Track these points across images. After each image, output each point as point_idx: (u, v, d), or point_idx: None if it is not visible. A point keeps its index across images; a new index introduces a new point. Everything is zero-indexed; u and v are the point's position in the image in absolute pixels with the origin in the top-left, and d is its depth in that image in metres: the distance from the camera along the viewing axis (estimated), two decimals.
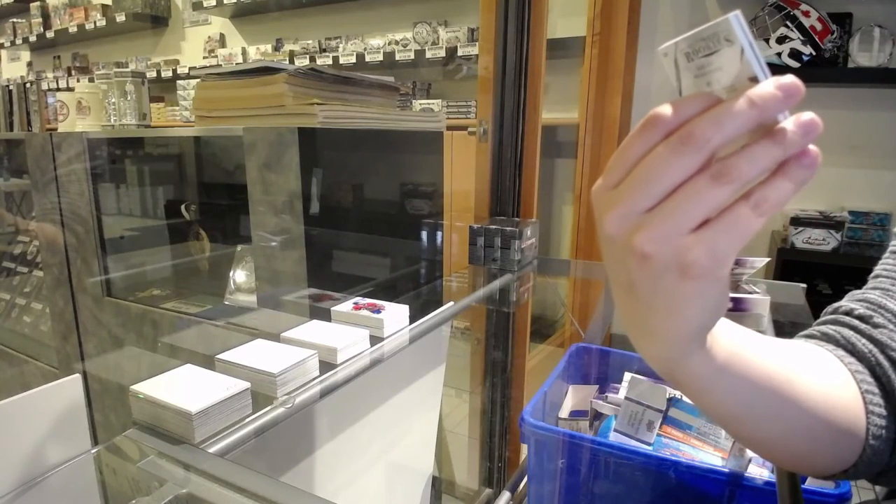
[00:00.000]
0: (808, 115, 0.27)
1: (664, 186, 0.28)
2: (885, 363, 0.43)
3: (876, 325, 0.45)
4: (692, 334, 0.33)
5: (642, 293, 0.32)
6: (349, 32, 3.35)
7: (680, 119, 0.28)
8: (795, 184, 0.28)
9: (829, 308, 0.51)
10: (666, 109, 0.29)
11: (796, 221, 2.05)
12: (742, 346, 0.37)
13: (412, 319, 0.83)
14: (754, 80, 0.27)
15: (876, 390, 0.42)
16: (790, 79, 0.27)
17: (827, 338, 0.47)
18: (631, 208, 0.29)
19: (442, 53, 2.87)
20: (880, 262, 0.52)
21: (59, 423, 0.50)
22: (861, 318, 0.46)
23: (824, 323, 0.50)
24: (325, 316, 0.80)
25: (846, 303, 0.49)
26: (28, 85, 1.99)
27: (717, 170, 0.27)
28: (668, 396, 0.86)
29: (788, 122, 0.27)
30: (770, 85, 0.27)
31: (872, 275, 0.52)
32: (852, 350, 0.45)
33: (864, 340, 0.45)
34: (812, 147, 0.27)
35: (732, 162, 0.27)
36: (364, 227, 1.16)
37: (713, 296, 0.31)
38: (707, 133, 0.27)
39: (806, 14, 1.99)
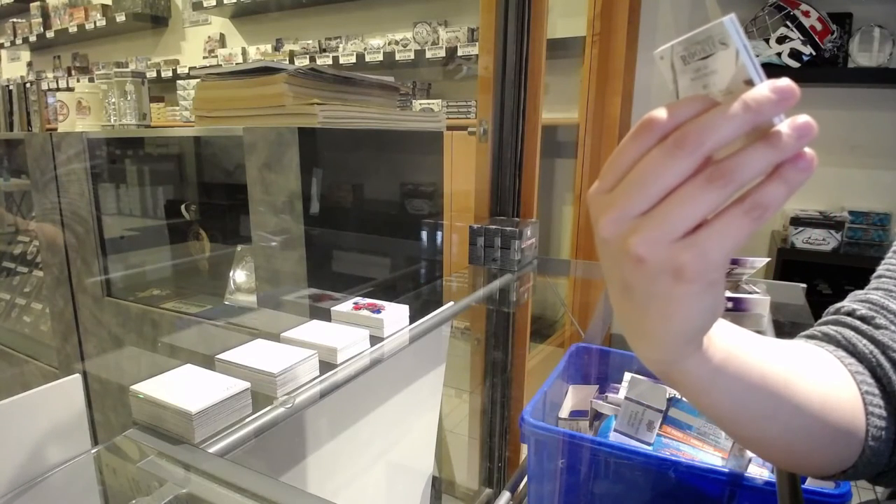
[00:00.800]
0: (803, 118, 0.27)
1: (658, 190, 0.28)
2: (886, 364, 0.43)
3: (878, 327, 0.45)
4: (688, 337, 0.33)
5: (637, 296, 0.32)
6: (349, 32, 3.35)
7: (675, 122, 0.28)
8: (790, 187, 0.27)
9: (831, 308, 0.51)
10: (661, 113, 0.29)
11: (796, 221, 2.05)
12: (739, 347, 0.37)
13: (412, 319, 0.83)
14: (749, 83, 0.27)
15: (876, 391, 0.42)
16: (785, 82, 0.26)
17: (828, 338, 0.47)
18: (625, 212, 0.29)
19: (442, 53, 2.87)
20: (883, 261, 0.52)
21: (59, 423, 0.50)
22: (862, 318, 0.46)
23: (826, 323, 0.50)
24: (325, 316, 0.80)
25: (848, 303, 0.49)
26: (28, 85, 1.99)
27: (711, 173, 0.27)
28: (668, 396, 0.86)
29: (784, 125, 0.27)
30: (765, 88, 0.26)
31: (875, 275, 0.52)
32: (853, 351, 0.45)
33: (864, 341, 0.45)
34: (808, 150, 0.27)
35: (727, 165, 0.27)
36: (364, 227, 1.16)
37: (708, 299, 0.31)
38: (701, 137, 0.27)
39: (806, 14, 1.98)
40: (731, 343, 0.37)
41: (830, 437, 0.40)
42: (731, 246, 0.28)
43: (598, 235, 0.31)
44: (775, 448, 0.41)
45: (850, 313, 0.48)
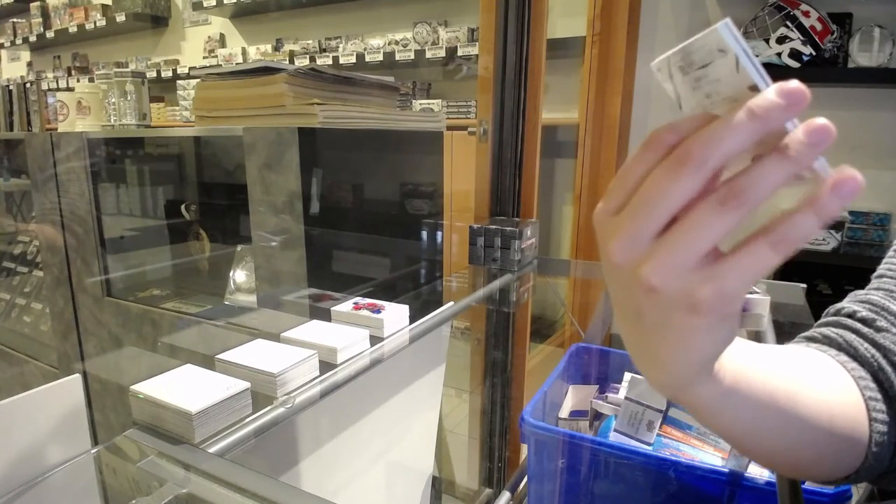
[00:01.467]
0: (818, 122, 0.25)
1: (666, 211, 0.27)
2: (888, 368, 0.43)
3: (879, 329, 0.45)
4: (700, 365, 0.32)
5: (649, 323, 0.31)
6: (349, 32, 3.35)
7: (681, 138, 0.27)
8: (823, 218, 0.25)
9: (832, 309, 0.50)
10: (666, 129, 0.28)
11: None
12: (747, 365, 0.37)
13: (412, 319, 0.83)
14: (754, 88, 0.25)
15: (878, 396, 0.42)
16: (794, 84, 0.25)
17: (829, 341, 0.47)
18: (635, 235, 0.28)
19: (442, 53, 2.87)
20: (884, 261, 0.51)
21: (59, 423, 0.50)
22: (863, 321, 0.46)
23: (826, 325, 0.49)
24: (325, 316, 0.80)
25: (848, 304, 0.49)
26: (28, 85, 1.99)
27: (723, 195, 0.26)
28: None
29: (798, 132, 0.25)
30: (771, 93, 0.25)
31: (876, 274, 0.51)
32: (854, 354, 0.44)
33: (866, 345, 0.44)
34: (851, 172, 0.25)
35: (739, 184, 0.26)
36: (364, 227, 1.16)
37: (724, 330, 0.30)
38: (706, 152, 0.26)
39: (806, 14, 1.98)
40: (739, 362, 0.36)
41: (836, 446, 0.40)
42: (753, 279, 0.27)
43: (607, 260, 0.30)
44: (783, 460, 0.41)
45: (851, 315, 0.47)
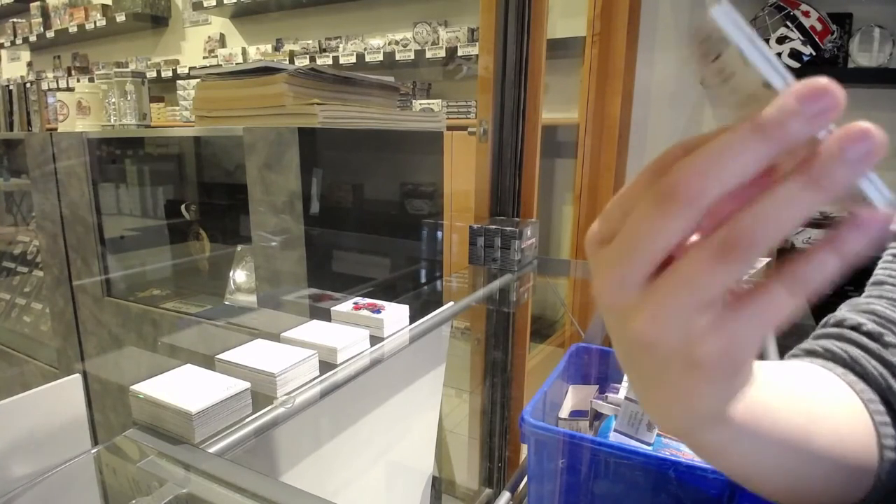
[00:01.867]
0: (858, 127, 0.19)
1: (652, 255, 0.22)
2: None
3: (886, 345, 0.42)
4: (703, 419, 0.29)
5: (646, 374, 0.27)
6: (349, 32, 3.35)
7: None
8: (848, 258, 0.21)
9: (830, 319, 0.47)
10: (679, 147, 0.23)
11: None
12: (755, 400, 0.33)
13: (412, 319, 0.83)
14: (769, 86, 0.20)
15: (888, 420, 0.39)
16: (821, 83, 0.19)
17: (833, 356, 0.43)
18: (624, 277, 0.23)
19: (442, 53, 2.87)
20: (880, 265, 0.48)
21: (59, 423, 0.50)
22: (870, 335, 0.43)
23: (828, 337, 0.46)
24: (325, 316, 0.80)
25: (850, 315, 0.45)
26: (28, 85, 1.99)
27: (721, 242, 0.20)
28: None
29: (832, 143, 0.19)
30: (790, 97, 0.19)
31: (873, 281, 0.48)
32: (863, 373, 0.41)
33: (874, 362, 0.41)
34: (883, 208, 0.20)
35: (743, 227, 0.20)
36: (364, 227, 1.16)
37: (732, 384, 0.25)
38: (698, 183, 0.20)
39: (806, 14, 1.98)
40: (748, 400, 0.32)
41: (845, 478, 0.38)
42: (770, 328, 0.22)
43: (598, 298, 0.25)
44: (790, 494, 0.39)
45: (856, 328, 0.44)
